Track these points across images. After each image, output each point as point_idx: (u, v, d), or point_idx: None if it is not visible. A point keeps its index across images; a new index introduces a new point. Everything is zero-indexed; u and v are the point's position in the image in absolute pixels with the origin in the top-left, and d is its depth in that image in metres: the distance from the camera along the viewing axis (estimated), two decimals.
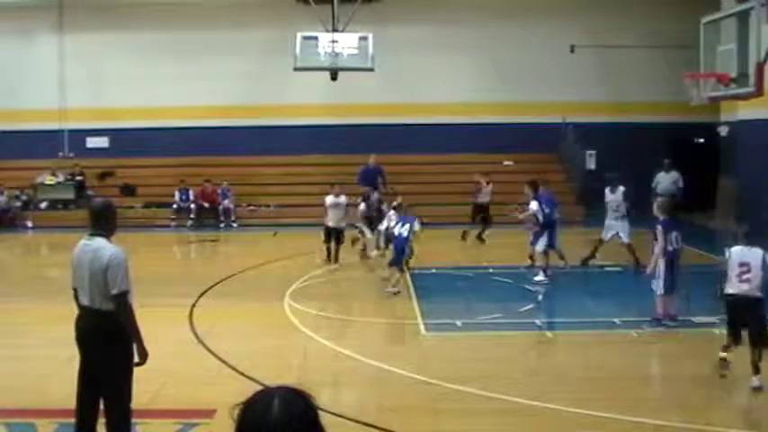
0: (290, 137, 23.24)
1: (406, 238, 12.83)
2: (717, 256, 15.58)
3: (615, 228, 14.30)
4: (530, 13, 23.15)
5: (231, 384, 7.81)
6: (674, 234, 10.21)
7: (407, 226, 12.93)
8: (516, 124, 23.05)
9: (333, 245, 15.11)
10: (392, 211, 14.11)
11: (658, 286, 10.21)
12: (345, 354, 9.09)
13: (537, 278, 13.34)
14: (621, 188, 14.44)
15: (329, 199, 15.25)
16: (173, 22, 23.24)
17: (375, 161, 21.53)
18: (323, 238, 15.22)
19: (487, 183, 18.36)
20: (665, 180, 18.97)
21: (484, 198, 18.25)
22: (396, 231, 13.10)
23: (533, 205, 13.78)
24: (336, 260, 15.04)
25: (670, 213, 10.46)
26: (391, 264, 12.79)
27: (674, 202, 11.53)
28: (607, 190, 14.66)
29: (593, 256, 14.55)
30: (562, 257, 14.13)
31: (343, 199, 15.32)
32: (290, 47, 17.29)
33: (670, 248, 10.13)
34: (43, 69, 23.56)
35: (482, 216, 18.03)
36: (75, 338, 5.79)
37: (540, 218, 13.72)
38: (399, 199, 14.63)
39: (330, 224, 15.10)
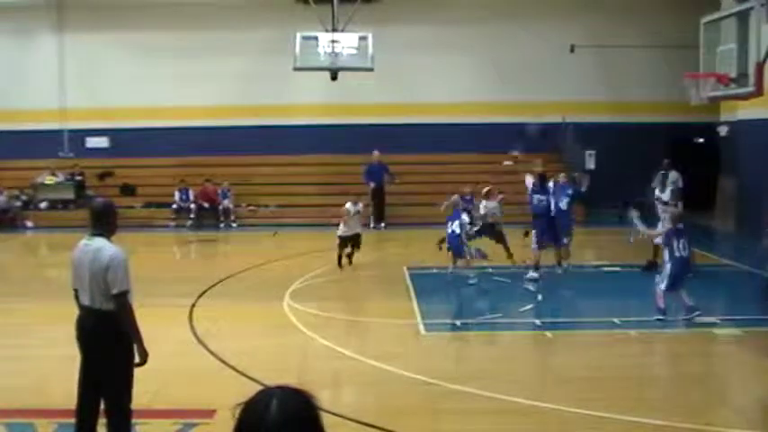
0: (289, 137, 23.23)
1: (458, 235, 13.02)
2: (717, 257, 15.65)
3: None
4: (530, 13, 23.14)
5: (231, 384, 7.81)
6: (681, 242, 10.47)
7: (456, 222, 13.11)
8: (516, 124, 23.01)
9: (348, 249, 14.79)
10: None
11: (661, 281, 10.46)
12: (345, 354, 9.09)
13: (528, 275, 13.37)
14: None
15: (350, 207, 14.79)
16: (173, 22, 23.23)
17: (379, 158, 21.56)
18: (339, 244, 14.73)
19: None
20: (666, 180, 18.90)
21: None
22: (448, 229, 13.27)
23: (528, 181, 14.16)
24: (350, 262, 14.85)
25: (677, 223, 10.82)
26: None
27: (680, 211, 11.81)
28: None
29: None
30: (559, 261, 14.11)
31: (360, 206, 15.10)
32: (290, 47, 17.28)
33: (677, 255, 10.41)
34: (43, 69, 23.54)
35: None
36: (76, 338, 5.79)
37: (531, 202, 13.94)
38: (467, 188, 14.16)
39: (349, 233, 14.68)
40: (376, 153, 21.65)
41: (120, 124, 23.49)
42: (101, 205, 6.03)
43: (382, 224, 21.26)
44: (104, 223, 5.80)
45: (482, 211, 14.38)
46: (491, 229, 14.35)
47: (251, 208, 22.30)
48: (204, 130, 23.27)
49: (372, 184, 21.31)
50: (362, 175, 21.50)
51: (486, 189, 14.83)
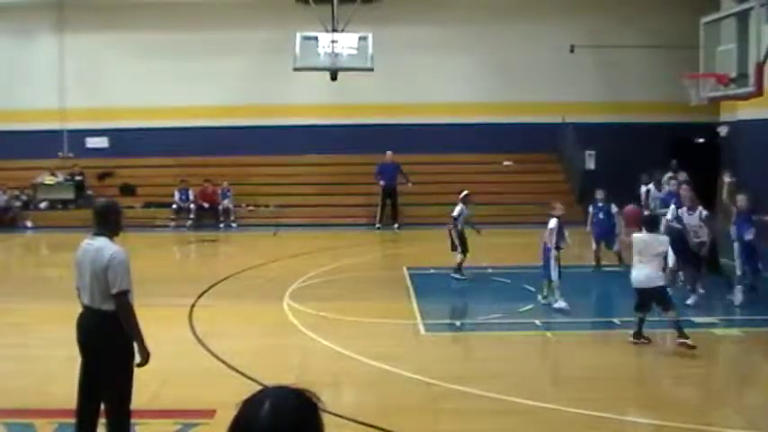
0: (289, 137, 23.23)
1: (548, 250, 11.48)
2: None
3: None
4: (530, 13, 23.13)
5: (231, 384, 7.81)
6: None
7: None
8: (516, 124, 23.04)
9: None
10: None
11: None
12: (345, 354, 9.09)
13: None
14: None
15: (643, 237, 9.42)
16: (173, 22, 23.23)
17: (392, 158, 21.52)
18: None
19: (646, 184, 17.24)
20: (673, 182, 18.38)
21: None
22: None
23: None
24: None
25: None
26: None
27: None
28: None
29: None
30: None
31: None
32: (290, 47, 17.29)
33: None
34: (43, 69, 23.54)
35: None
36: (77, 338, 5.79)
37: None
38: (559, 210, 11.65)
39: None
40: (389, 153, 21.57)
41: (120, 124, 23.49)
42: (103, 205, 6.05)
43: (396, 225, 21.17)
44: (107, 223, 5.80)
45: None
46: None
47: (251, 208, 22.30)
48: (204, 130, 23.27)
49: (383, 183, 21.25)
50: (375, 175, 21.42)
51: (466, 192, 14.29)
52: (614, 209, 14.29)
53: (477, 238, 14.08)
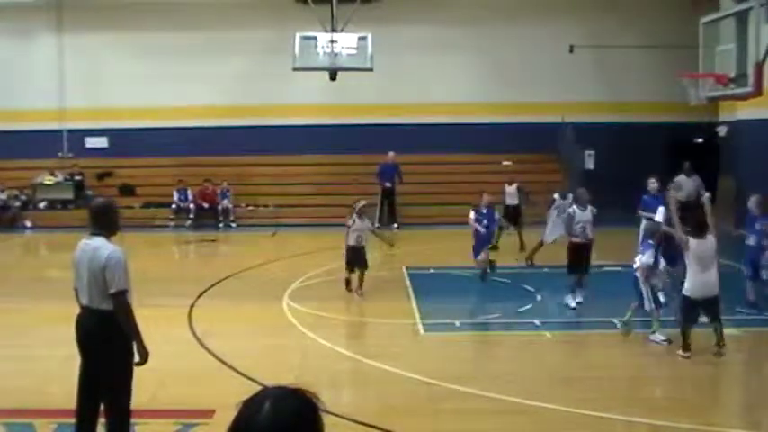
0: (288, 137, 23.23)
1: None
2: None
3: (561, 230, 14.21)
4: (529, 13, 23.14)
5: (230, 384, 7.81)
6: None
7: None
8: (515, 124, 23.04)
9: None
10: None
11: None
12: (345, 354, 9.09)
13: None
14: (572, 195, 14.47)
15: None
16: (172, 22, 23.22)
17: (393, 158, 21.50)
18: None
19: (510, 184, 17.80)
20: (687, 184, 17.08)
21: (511, 200, 17.51)
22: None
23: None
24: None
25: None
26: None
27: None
28: (556, 195, 14.57)
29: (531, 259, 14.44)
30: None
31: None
32: (290, 47, 17.28)
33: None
34: (42, 69, 23.53)
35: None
36: (76, 338, 5.78)
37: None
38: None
39: None
40: (391, 154, 21.52)
41: (120, 124, 23.48)
42: (100, 205, 6.03)
43: (395, 225, 21.13)
44: (104, 223, 5.79)
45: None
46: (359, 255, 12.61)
47: (250, 208, 22.29)
48: (203, 130, 23.27)
49: (388, 184, 21.22)
50: (376, 176, 21.40)
51: (361, 203, 13.11)
52: (497, 215, 14.08)
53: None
